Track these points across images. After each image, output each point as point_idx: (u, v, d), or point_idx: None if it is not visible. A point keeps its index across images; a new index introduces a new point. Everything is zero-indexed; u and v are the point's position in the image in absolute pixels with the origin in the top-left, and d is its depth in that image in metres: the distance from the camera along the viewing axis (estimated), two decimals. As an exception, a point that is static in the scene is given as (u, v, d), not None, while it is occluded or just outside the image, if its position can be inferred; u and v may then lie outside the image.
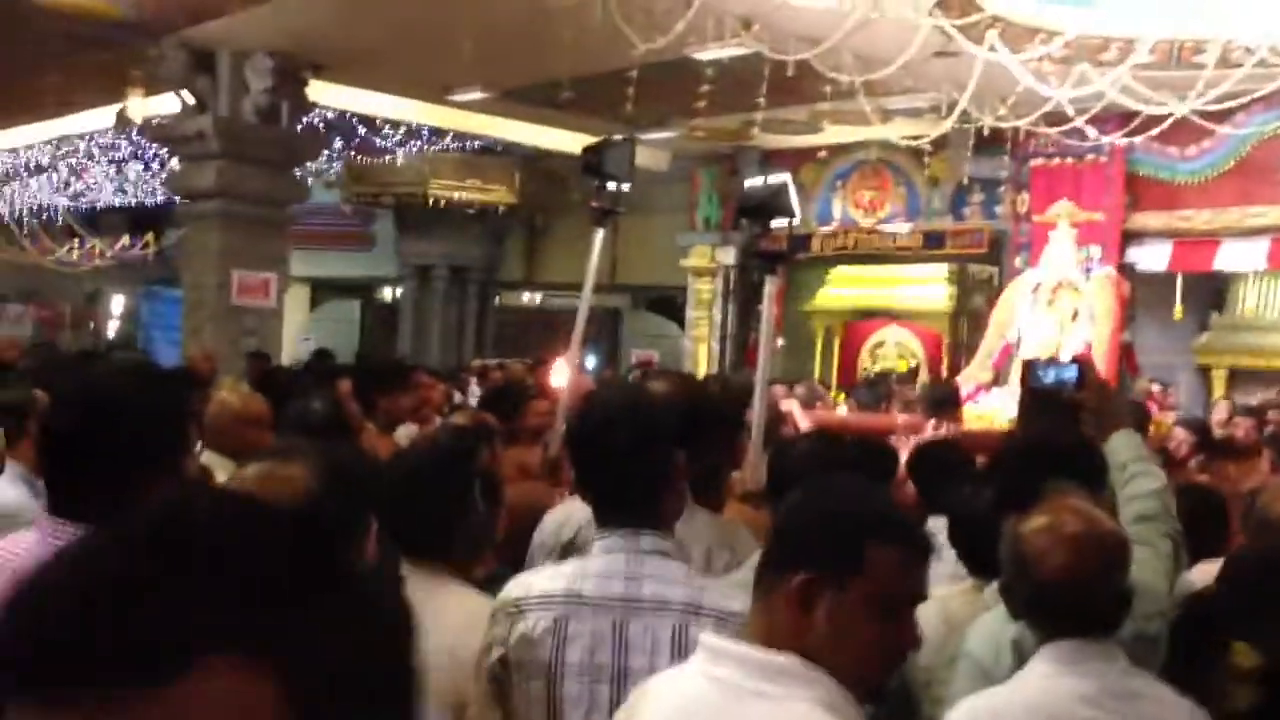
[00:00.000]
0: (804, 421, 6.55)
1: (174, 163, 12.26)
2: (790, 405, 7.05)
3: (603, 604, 2.09)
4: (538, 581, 2.20)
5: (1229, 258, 10.58)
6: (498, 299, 19.12)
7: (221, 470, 3.07)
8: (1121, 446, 2.69)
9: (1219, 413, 9.57)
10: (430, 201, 16.49)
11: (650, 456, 2.18)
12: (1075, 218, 10.96)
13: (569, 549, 2.79)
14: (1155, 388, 9.90)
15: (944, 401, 6.61)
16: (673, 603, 2.07)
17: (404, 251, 18.31)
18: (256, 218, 10.78)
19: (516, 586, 2.21)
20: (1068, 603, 2.07)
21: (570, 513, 2.89)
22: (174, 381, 2.06)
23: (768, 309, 4.66)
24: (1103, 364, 10.54)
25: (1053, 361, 3.21)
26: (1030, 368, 2.99)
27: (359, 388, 5.06)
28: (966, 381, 10.36)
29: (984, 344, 11.35)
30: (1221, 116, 9.07)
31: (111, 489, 1.74)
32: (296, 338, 16.56)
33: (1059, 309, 10.94)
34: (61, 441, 1.84)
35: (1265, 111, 9.48)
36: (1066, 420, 2.80)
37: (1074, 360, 2.97)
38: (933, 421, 6.18)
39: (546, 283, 18.28)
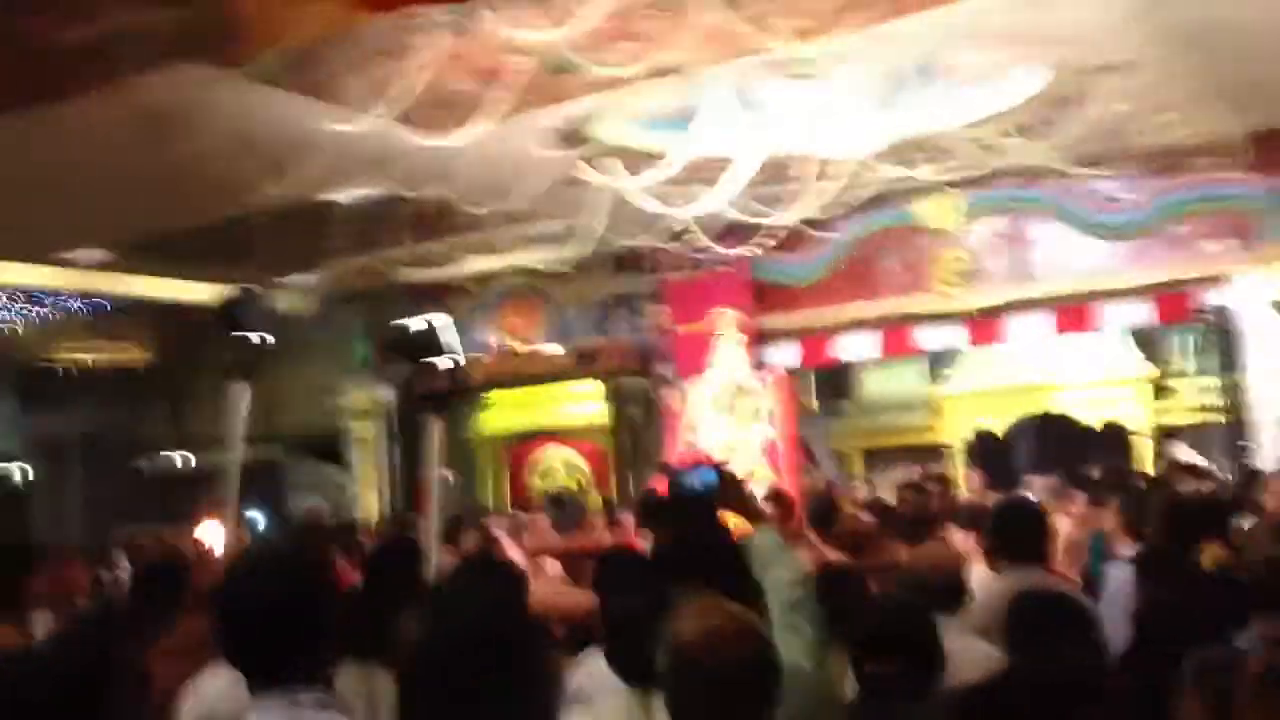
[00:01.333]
0: (513, 550, 6.53)
1: None
2: (499, 533, 7.08)
3: None
4: None
5: (847, 349, 11.58)
6: (143, 464, 17.85)
7: None
8: (763, 542, 2.87)
9: (863, 493, 10.40)
10: (55, 369, 15.29)
11: (301, 612, 2.13)
12: (744, 324, 11.60)
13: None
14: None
15: (654, 513, 6.49)
16: None
17: (29, 426, 16.83)
18: None
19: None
20: (713, 696, 2.15)
21: (200, 691, 2.74)
22: None
23: (434, 453, 4.63)
24: (785, 459, 11.33)
25: (694, 467, 3.38)
26: (672, 474, 3.14)
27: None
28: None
29: (670, 454, 11.61)
30: (824, 224, 10.09)
31: None
32: None
33: (738, 412, 11.56)
34: None
35: (859, 217, 10.61)
36: (708, 522, 2.95)
37: (712, 466, 3.16)
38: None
39: (196, 440, 17.28)
